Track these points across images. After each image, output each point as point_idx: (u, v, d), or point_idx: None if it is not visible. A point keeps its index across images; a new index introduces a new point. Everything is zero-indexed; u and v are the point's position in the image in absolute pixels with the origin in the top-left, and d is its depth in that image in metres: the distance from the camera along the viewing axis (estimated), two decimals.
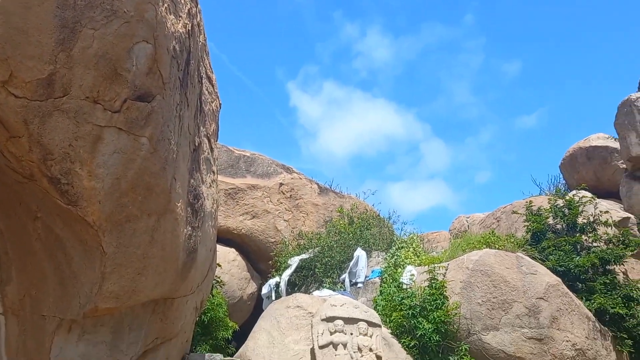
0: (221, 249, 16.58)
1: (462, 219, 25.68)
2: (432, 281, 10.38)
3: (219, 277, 11.56)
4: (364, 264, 12.58)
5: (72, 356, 5.77)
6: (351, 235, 14.04)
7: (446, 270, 10.69)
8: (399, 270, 11.85)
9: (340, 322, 8.51)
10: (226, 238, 16.88)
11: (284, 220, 17.50)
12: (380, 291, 11.46)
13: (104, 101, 4.94)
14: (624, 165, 16.46)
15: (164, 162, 5.60)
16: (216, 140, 8.68)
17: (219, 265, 11.43)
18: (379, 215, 16.61)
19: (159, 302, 6.77)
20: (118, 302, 5.80)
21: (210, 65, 8.28)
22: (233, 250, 16.84)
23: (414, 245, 12.96)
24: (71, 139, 4.92)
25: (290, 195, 17.93)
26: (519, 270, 10.32)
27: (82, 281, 5.61)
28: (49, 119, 4.81)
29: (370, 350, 8.46)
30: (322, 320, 8.53)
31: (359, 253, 12.84)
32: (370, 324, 8.75)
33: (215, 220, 8.49)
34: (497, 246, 11.21)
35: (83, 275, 5.60)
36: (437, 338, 9.54)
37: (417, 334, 9.52)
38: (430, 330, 9.48)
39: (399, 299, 10.19)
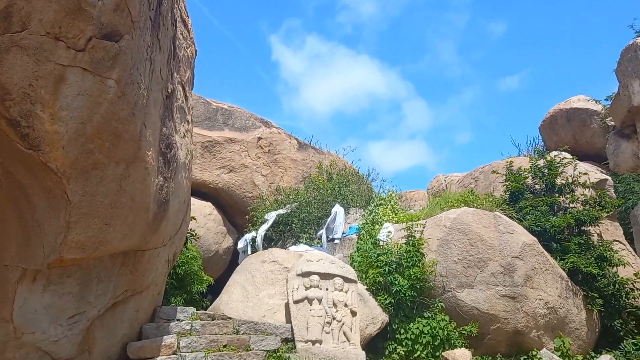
0: (197, 203, 16.36)
1: (440, 179, 25.75)
2: (410, 238, 10.32)
3: (193, 231, 11.36)
4: (342, 220, 12.48)
5: (36, 307, 5.55)
6: (329, 191, 13.89)
7: (424, 228, 10.63)
8: (377, 227, 11.78)
9: (316, 277, 8.41)
10: (202, 192, 16.68)
11: (262, 175, 17.29)
12: (357, 248, 11.40)
13: (66, 38, 4.56)
14: (612, 123, 16.31)
15: (133, 107, 5.27)
16: (191, 89, 8.31)
17: (194, 219, 11.21)
18: (358, 172, 16.48)
19: (128, 254, 6.56)
20: (84, 252, 5.56)
21: (185, 9, 7.84)
22: (209, 204, 16.67)
23: (392, 203, 12.87)
24: (31, 79, 4.56)
25: (269, 150, 17.68)
26: (496, 229, 10.32)
27: (46, 230, 5.34)
28: (6, 56, 4.42)
29: (346, 305, 8.41)
30: (298, 275, 8.42)
31: (337, 209, 12.71)
32: (346, 279, 8.68)
33: (190, 172, 8.22)
34: (475, 205, 11.17)
35: (47, 224, 5.32)
36: (412, 294, 9.55)
37: (392, 290, 9.50)
38: (405, 287, 9.47)
39: (376, 255, 10.13)
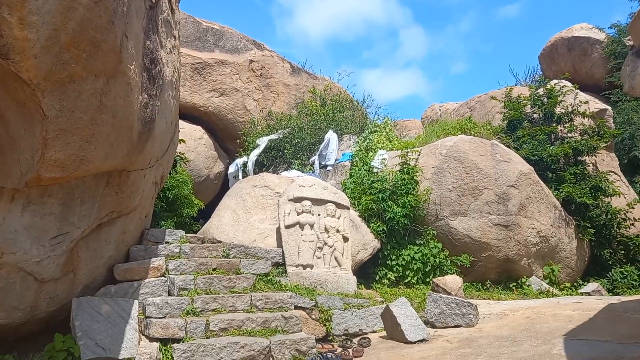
0: (187, 127, 16.00)
1: (435, 108, 25.37)
2: (404, 166, 10.11)
3: (183, 154, 11.08)
4: (335, 146, 12.20)
5: (16, 227, 5.35)
6: (323, 117, 13.52)
7: (419, 155, 10.39)
8: (371, 154, 11.53)
9: (307, 202, 8.24)
10: (192, 115, 16.31)
11: (254, 99, 16.85)
12: (350, 174, 11.21)
13: None
14: (631, 42, 15.75)
15: (112, 14, 4.82)
16: (178, 1, 7.75)
17: (183, 142, 10.90)
18: (352, 99, 16.02)
19: (113, 175, 6.30)
20: (64, 171, 5.28)
21: None
22: (200, 128, 16.34)
23: (387, 130, 12.56)
24: None
25: (261, 74, 17.15)
26: (493, 158, 10.11)
27: (22, 147, 5.04)
28: None
29: (338, 231, 8.29)
30: (290, 200, 8.24)
31: (330, 135, 12.41)
32: (339, 205, 8.51)
33: (177, 91, 7.82)
34: (472, 133, 10.90)
35: (22, 140, 5.01)
36: (405, 222, 9.45)
37: (385, 217, 9.39)
38: (399, 215, 9.35)
39: (369, 182, 9.94)
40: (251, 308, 6.60)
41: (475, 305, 6.90)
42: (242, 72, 16.80)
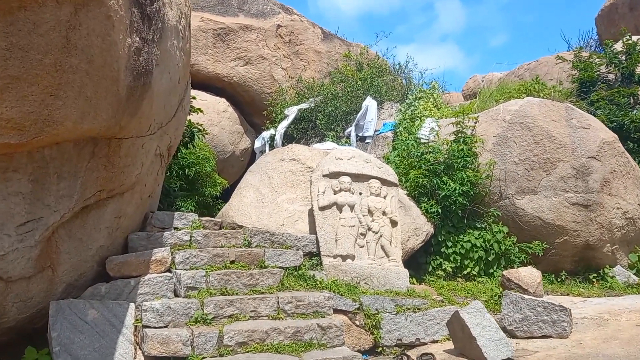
0: (210, 99, 14.64)
1: (477, 79, 23.51)
2: (459, 135, 8.45)
3: (200, 125, 9.65)
4: (374, 115, 10.59)
5: None
6: (360, 82, 11.85)
7: (476, 122, 8.71)
8: (417, 123, 9.90)
9: (346, 179, 6.71)
10: (215, 86, 14.95)
11: (282, 68, 15.33)
12: (393, 147, 9.63)
13: None
14: None
15: None
16: None
17: (200, 111, 9.48)
18: (390, 67, 14.27)
19: (100, 143, 4.89)
20: (23, 135, 3.89)
21: None
22: (223, 100, 14.99)
23: (434, 96, 10.87)
24: None
25: (290, 40, 15.59)
26: (568, 124, 8.35)
27: None
28: None
29: (384, 213, 6.75)
30: (324, 176, 6.72)
31: (369, 103, 10.77)
32: (385, 182, 6.95)
33: (186, 42, 6.32)
34: (541, 95, 9.14)
35: None
36: (464, 201, 7.83)
37: (439, 195, 7.79)
38: (456, 192, 7.74)
39: (419, 154, 8.34)
40: (278, 313, 5.14)
41: (569, 310, 5.28)
42: (269, 38, 15.30)
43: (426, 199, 7.94)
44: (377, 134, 10.47)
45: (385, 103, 11.35)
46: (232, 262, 5.78)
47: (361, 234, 6.56)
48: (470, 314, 4.80)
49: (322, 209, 6.57)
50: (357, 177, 6.83)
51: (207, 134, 9.64)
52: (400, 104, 11.03)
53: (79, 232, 5.09)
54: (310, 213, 6.81)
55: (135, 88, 4.67)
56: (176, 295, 5.31)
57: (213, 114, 14.28)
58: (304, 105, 11.58)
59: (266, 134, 11.90)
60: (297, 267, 6.07)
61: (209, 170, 11.76)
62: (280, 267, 5.91)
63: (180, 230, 6.19)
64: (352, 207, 6.62)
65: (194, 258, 5.63)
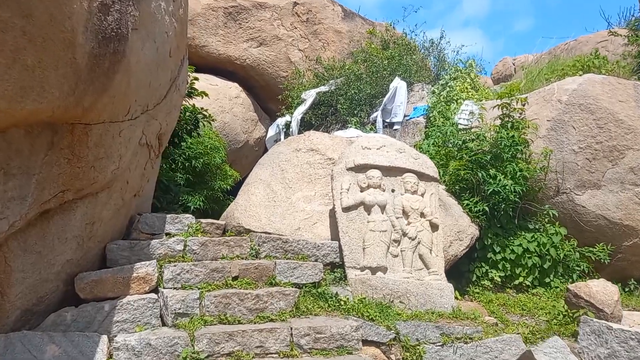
0: (221, 84, 13.50)
1: (507, 61, 21.94)
2: (506, 119, 7.15)
3: (205, 111, 8.49)
4: (404, 98, 9.31)
5: None
6: (386, 62, 10.54)
7: (524, 104, 7.39)
8: (453, 106, 8.61)
9: (376, 173, 5.50)
10: (227, 70, 13.79)
11: (299, 49, 14.09)
12: (426, 134, 8.37)
13: None
14: None
15: None
16: None
17: (205, 95, 8.31)
18: (419, 46, 12.91)
19: (60, 131, 3.77)
20: None
21: None
22: (236, 85, 13.84)
23: (471, 76, 9.54)
24: None
25: (307, 19, 14.35)
26: (638, 105, 7.00)
27: None
28: None
29: (422, 215, 5.52)
30: (349, 169, 5.52)
31: (398, 84, 9.50)
32: (422, 176, 5.72)
33: (178, 6, 5.14)
34: (603, 72, 7.78)
35: None
36: (515, 198, 6.56)
37: (486, 191, 6.53)
38: (507, 188, 6.46)
39: (459, 142, 7.08)
40: (291, 350, 3.95)
41: None
42: (285, 17, 14.08)
43: (469, 196, 6.68)
44: (407, 120, 9.21)
45: (415, 85, 10.05)
46: (235, 278, 4.62)
47: (394, 241, 5.35)
48: (549, 355, 3.58)
49: (347, 209, 5.37)
50: (389, 171, 5.60)
51: (213, 120, 8.50)
52: (432, 86, 9.73)
53: (37, 244, 3.97)
54: (332, 214, 5.62)
55: (101, 57, 3.50)
56: (163, 324, 4.17)
57: (224, 100, 13.15)
58: (323, 88, 10.34)
59: (281, 121, 10.71)
60: (316, 283, 4.89)
61: (218, 161, 10.69)
62: (294, 284, 4.74)
63: (173, 237, 5.06)
64: (382, 208, 5.40)
65: (186, 274, 4.48)
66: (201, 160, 10.28)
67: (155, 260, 4.50)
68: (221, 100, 13.05)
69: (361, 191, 5.47)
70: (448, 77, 9.33)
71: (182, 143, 9.20)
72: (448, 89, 8.98)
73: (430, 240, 5.45)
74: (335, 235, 5.47)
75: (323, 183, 6.05)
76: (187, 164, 10.17)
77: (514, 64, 20.62)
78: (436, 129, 8.05)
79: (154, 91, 4.78)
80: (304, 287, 4.78)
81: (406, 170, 5.64)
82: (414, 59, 10.68)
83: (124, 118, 4.30)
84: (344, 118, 9.87)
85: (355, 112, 9.81)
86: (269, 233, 5.64)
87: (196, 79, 7.99)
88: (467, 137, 7.07)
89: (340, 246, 5.30)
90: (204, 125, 8.65)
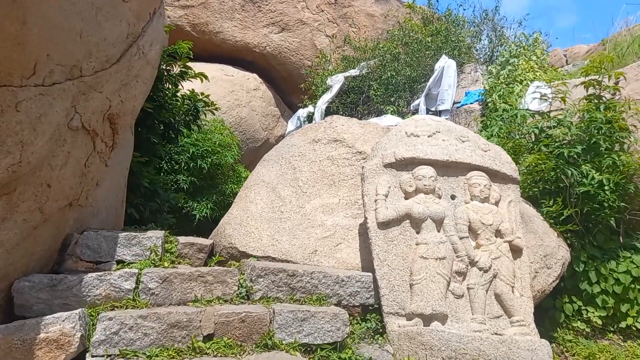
0: (237, 74, 11.91)
1: (558, 53, 19.76)
2: (597, 100, 5.28)
3: (207, 96, 6.83)
4: (453, 81, 7.49)
5: None
6: (429, 39, 8.68)
7: (616, 82, 5.50)
8: (517, 89, 6.75)
9: (428, 171, 3.73)
10: (244, 59, 12.22)
11: (326, 35, 12.40)
12: (484, 124, 6.53)
13: None
14: None
15: None
16: None
17: (204, 77, 6.63)
18: (468, 20, 10.97)
19: None
20: None
21: None
22: (254, 76, 12.23)
23: (537, 53, 7.64)
24: None
25: (336, 1, 12.70)
26: None
27: None
28: None
29: (499, 234, 3.71)
30: (388, 166, 3.77)
31: (445, 63, 7.68)
32: (496, 176, 3.92)
33: None
34: None
35: None
36: (616, 204, 4.67)
37: (577, 193, 4.66)
38: (606, 190, 4.59)
39: (536, 130, 5.23)
40: None
41: None
42: None
43: (550, 202, 4.82)
44: (457, 107, 7.38)
45: (466, 65, 8.20)
46: (209, 337, 2.91)
47: (457, 273, 3.55)
48: None
49: (384, 225, 3.61)
50: (447, 168, 3.82)
51: (217, 108, 6.85)
52: (487, 66, 7.86)
53: None
54: (363, 231, 3.88)
55: None
56: None
57: (241, 92, 11.55)
58: (353, 72, 8.60)
59: (302, 112, 9.01)
60: (339, 343, 3.12)
61: (230, 161, 9.12)
62: (304, 347, 3.00)
63: (125, 266, 3.39)
64: (439, 223, 3.62)
65: (129, 332, 2.80)
66: (209, 159, 8.72)
67: (80, 310, 2.83)
68: (237, 93, 11.45)
69: (406, 198, 3.70)
70: (508, 54, 7.44)
71: (179, 138, 7.58)
72: (509, 67, 7.11)
73: (512, 272, 3.63)
74: (368, 263, 3.71)
75: (350, 186, 4.29)
76: (191, 164, 8.60)
77: (565, 55, 18.52)
78: (498, 117, 6.21)
79: (91, 47, 3.13)
80: (318, 351, 3.03)
81: (472, 167, 3.84)
82: (463, 34, 8.79)
83: (24, 81, 2.66)
84: (377, 107, 8.09)
85: (392, 99, 8.01)
86: (273, 258, 3.92)
87: (189, 58, 6.34)
88: (549, 123, 5.20)
89: (375, 280, 3.54)
90: (205, 115, 7.01)
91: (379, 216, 3.60)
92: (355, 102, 8.65)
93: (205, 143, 8.83)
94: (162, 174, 8.06)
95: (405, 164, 3.78)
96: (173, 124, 6.78)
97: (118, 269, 3.34)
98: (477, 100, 7.27)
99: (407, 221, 3.64)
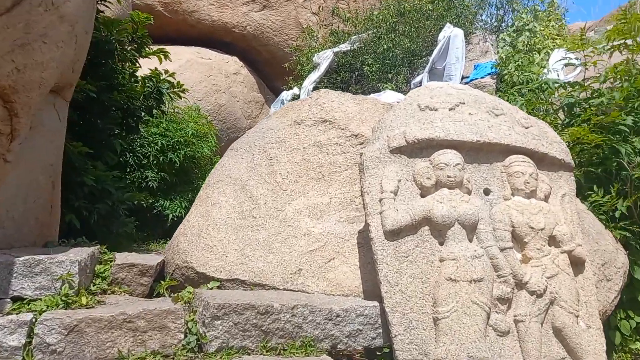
0: (215, 57, 10.83)
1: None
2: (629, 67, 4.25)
3: (172, 75, 5.72)
4: (461, 52, 6.44)
5: None
6: (429, 8, 7.57)
7: None
8: (537, 58, 5.69)
9: (451, 156, 2.68)
10: (223, 41, 11.12)
11: (312, 12, 11.33)
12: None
13: None
14: None
15: None
16: None
17: (165, 56, 5.52)
18: None
19: None
20: None
21: None
22: (234, 59, 11.16)
23: (552, 21, 6.58)
24: None
25: None
26: None
27: None
28: None
29: (553, 242, 2.67)
30: (395, 151, 2.72)
31: (451, 32, 6.61)
32: (542, 161, 2.87)
33: None
34: None
35: None
36: None
37: (632, 177, 3.62)
38: None
39: (571, 101, 4.20)
40: None
41: None
42: None
43: (600, 191, 3.78)
44: (466, 83, 6.33)
45: (473, 35, 7.13)
46: None
47: (500, 300, 2.51)
48: None
49: (394, 234, 2.55)
50: (477, 152, 2.78)
51: (184, 90, 5.77)
52: (497, 36, 6.80)
53: None
54: (365, 241, 2.83)
55: None
56: None
57: (219, 77, 10.46)
58: (343, 47, 7.51)
59: (286, 95, 7.93)
60: None
61: (207, 153, 8.12)
62: None
63: (22, 307, 2.32)
64: (470, 229, 2.58)
65: None
66: (181, 152, 7.66)
67: None
68: (215, 77, 10.36)
69: (423, 195, 2.66)
70: (524, 20, 6.37)
71: (141, 127, 6.51)
72: (527, 35, 6.05)
73: (575, 295, 2.59)
74: (372, 286, 2.67)
75: (344, 180, 3.24)
76: (161, 158, 7.53)
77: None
78: (517, 91, 5.15)
79: None
80: None
81: (511, 149, 2.80)
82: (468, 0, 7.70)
83: None
84: (373, 85, 7.00)
85: (390, 75, 6.93)
86: (242, 282, 2.87)
87: (149, 22, 5.24)
88: (581, 95, 4.17)
89: (383, 312, 2.50)
90: (170, 98, 5.92)
91: (387, 222, 2.55)
92: (347, 81, 7.57)
93: (177, 133, 7.77)
94: (127, 170, 6.99)
95: (420, 148, 2.73)
96: (132, 109, 5.71)
97: (10, 312, 2.28)
98: (489, 74, 6.22)
99: (426, 227, 2.59)
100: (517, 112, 3.04)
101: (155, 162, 7.47)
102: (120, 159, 5.90)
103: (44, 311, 2.26)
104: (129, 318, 2.22)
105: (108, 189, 4.80)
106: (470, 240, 2.58)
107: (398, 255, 2.54)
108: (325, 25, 9.80)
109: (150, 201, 7.10)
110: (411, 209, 2.59)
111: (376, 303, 2.58)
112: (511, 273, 2.55)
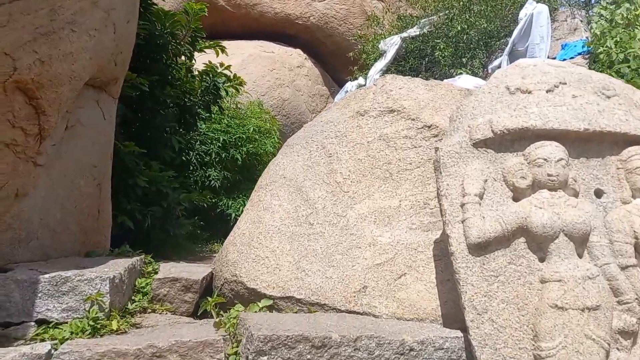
0: (278, 50, 10.56)
1: None
2: None
3: (228, 68, 5.41)
4: (546, 31, 5.72)
5: None
6: None
7: None
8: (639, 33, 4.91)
9: (552, 150, 2.14)
10: (286, 33, 10.87)
11: (378, 0, 10.81)
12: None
13: None
14: None
15: None
16: None
17: (221, 50, 5.21)
18: None
19: None
20: None
21: None
22: (298, 51, 10.87)
23: None
24: None
25: None
26: None
27: None
28: None
29: None
30: (478, 144, 2.21)
31: (534, 9, 5.91)
32: None
33: None
34: None
35: None
36: None
37: None
38: None
39: None
40: None
41: None
42: None
43: None
44: None
45: (559, 12, 6.37)
46: None
47: (622, 334, 1.96)
48: None
49: (481, 247, 2.05)
50: (584, 144, 2.22)
51: (241, 83, 5.45)
52: (589, 10, 6.02)
53: None
54: (442, 253, 2.35)
55: None
56: None
57: (283, 71, 10.17)
58: (412, 32, 6.96)
59: (351, 85, 7.48)
60: None
61: (270, 149, 7.83)
62: None
63: (47, 332, 2.03)
64: (579, 241, 2.04)
65: None
66: (244, 149, 7.43)
67: None
68: (278, 71, 10.08)
69: (516, 198, 2.14)
70: None
71: (199, 124, 6.28)
72: (627, 5, 5.26)
73: None
74: (453, 309, 2.19)
75: (416, 179, 2.75)
76: (223, 155, 7.33)
77: None
78: (617, 70, 4.43)
79: None
80: None
81: (629, 139, 2.22)
82: None
83: None
84: (445, 72, 6.40)
85: (465, 60, 6.31)
86: (298, 300, 2.47)
87: (203, 12, 4.93)
88: None
89: (468, 345, 2.01)
90: (227, 93, 5.62)
91: (471, 233, 2.05)
92: (416, 69, 7.00)
93: (239, 130, 7.53)
94: (190, 168, 6.81)
95: (511, 140, 2.21)
96: (189, 106, 5.47)
97: (33, 339, 1.99)
98: (580, 54, 5.49)
99: (522, 240, 2.07)
100: (634, 92, 2.44)
101: (217, 159, 7.27)
102: (181, 157, 5.70)
103: (67, 339, 1.95)
104: (159, 352, 1.86)
105: (163, 190, 4.56)
106: (580, 256, 2.04)
107: (486, 275, 2.04)
108: (391, 11, 9.24)
109: (214, 200, 6.89)
110: (502, 216, 2.08)
111: (459, 333, 2.10)
112: (636, 299, 1.98)
